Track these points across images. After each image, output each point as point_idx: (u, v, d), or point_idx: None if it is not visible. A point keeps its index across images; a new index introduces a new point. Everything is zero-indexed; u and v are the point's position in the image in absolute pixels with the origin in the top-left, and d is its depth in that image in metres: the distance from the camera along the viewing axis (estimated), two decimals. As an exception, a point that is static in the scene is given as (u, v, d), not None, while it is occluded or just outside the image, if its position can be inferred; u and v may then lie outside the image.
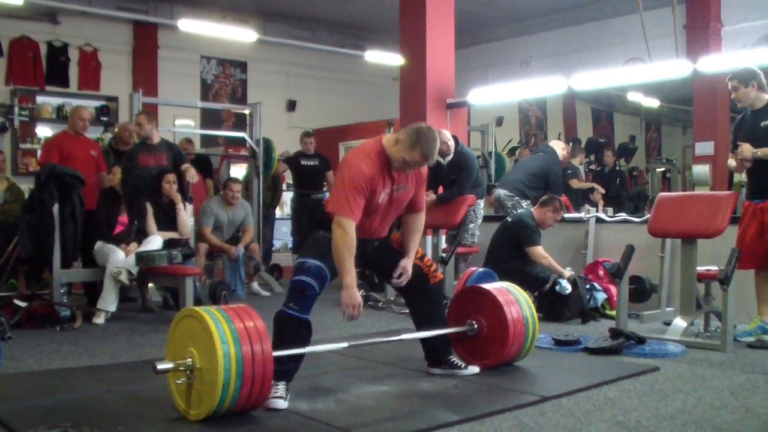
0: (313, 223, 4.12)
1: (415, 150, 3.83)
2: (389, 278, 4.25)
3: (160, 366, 3.37)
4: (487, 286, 4.66)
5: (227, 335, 3.25)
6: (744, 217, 5.55)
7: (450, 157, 7.49)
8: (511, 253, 6.85)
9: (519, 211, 7.23)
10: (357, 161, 3.85)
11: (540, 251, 6.78)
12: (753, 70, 5.49)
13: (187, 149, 10.12)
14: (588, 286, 6.68)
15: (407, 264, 4.16)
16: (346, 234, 3.74)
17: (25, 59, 12.05)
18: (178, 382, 3.41)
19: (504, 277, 5.82)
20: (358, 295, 3.83)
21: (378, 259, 4.21)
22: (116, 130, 8.82)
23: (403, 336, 4.17)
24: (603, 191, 10.11)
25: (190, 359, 3.35)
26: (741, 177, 9.85)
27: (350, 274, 3.79)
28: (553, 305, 6.57)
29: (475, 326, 4.48)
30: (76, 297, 7.34)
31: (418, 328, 4.37)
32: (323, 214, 3.96)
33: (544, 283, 6.67)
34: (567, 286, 6.50)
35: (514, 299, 4.50)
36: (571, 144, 11.01)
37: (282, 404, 3.59)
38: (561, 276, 6.64)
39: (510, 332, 4.35)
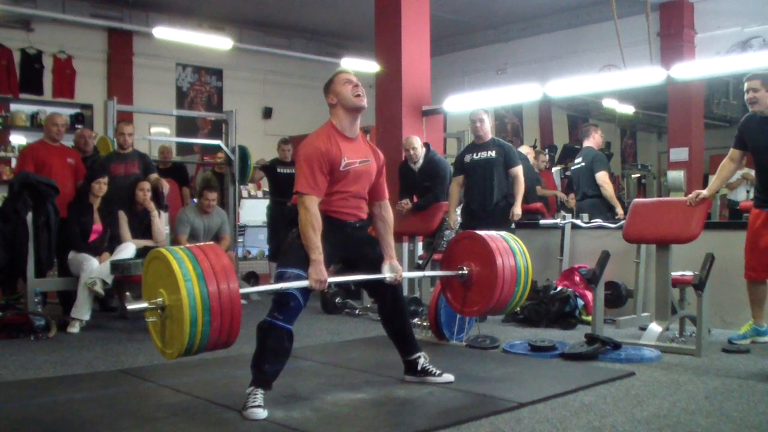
0: (288, 225, 4.14)
1: (338, 75, 4.03)
2: (368, 270, 4.20)
3: (131, 306, 3.42)
4: (482, 233, 4.55)
5: (190, 273, 3.26)
6: (753, 225, 5.48)
7: (420, 164, 7.50)
8: None
9: None
10: (309, 141, 3.96)
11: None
12: None
13: (166, 157, 10.10)
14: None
15: (392, 263, 4.18)
16: (308, 212, 3.82)
17: (-2, 67, 11.96)
18: (151, 320, 3.45)
19: None
20: (324, 272, 3.85)
21: (357, 249, 4.17)
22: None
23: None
24: (565, 197, 10.17)
25: (160, 299, 3.37)
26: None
27: (317, 250, 3.83)
28: (536, 309, 6.61)
29: (466, 272, 4.45)
30: (51, 306, 7.28)
31: (384, 323, 4.35)
32: (295, 213, 3.99)
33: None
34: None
35: (509, 247, 4.45)
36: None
37: (261, 414, 3.57)
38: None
39: (499, 276, 4.28)
